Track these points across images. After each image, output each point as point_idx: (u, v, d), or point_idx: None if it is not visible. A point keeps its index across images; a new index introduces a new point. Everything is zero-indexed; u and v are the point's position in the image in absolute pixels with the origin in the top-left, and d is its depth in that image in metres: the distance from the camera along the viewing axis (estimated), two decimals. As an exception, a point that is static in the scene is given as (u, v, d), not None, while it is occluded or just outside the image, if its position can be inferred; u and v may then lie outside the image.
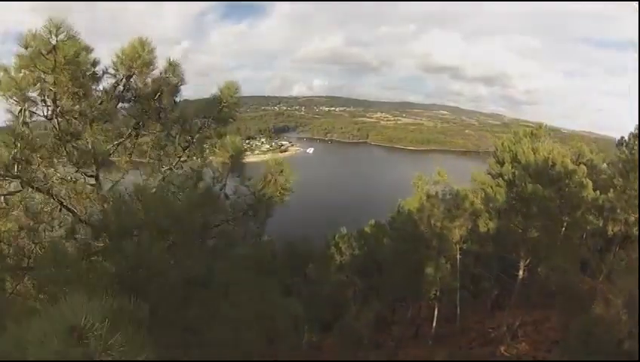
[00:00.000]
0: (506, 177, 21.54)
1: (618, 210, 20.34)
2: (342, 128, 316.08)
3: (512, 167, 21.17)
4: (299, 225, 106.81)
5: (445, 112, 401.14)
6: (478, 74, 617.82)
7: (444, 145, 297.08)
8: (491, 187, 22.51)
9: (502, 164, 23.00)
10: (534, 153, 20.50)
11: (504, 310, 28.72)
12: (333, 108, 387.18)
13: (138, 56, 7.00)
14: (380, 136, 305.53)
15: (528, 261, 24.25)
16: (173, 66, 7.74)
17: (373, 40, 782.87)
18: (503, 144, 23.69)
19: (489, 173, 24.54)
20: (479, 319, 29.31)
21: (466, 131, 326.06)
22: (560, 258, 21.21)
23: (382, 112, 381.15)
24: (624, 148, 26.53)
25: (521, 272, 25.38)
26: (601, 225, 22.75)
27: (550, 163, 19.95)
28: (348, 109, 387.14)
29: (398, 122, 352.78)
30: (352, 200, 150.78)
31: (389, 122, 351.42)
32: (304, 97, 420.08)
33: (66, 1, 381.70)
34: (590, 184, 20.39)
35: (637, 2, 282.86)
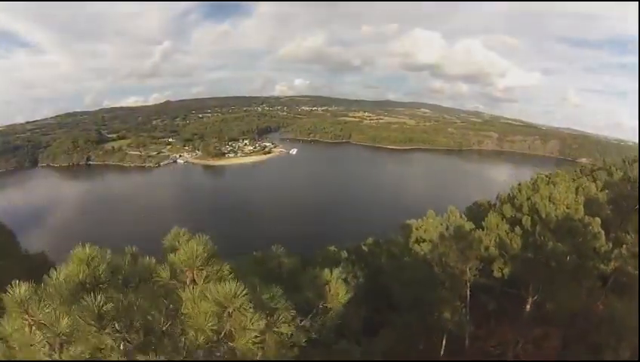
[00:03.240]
0: (524, 227, 21.89)
1: (629, 268, 20.73)
2: (324, 128, 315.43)
3: (531, 220, 21.58)
4: (291, 231, 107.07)
5: (426, 110, 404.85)
6: (458, 72, 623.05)
7: (427, 143, 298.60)
8: (506, 232, 22.81)
9: (518, 209, 23.39)
10: (554, 204, 20.96)
11: (504, 324, 29.33)
12: (315, 108, 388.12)
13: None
14: (362, 136, 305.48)
15: (536, 296, 24.79)
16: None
17: (355, 39, 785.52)
18: (520, 191, 24.04)
19: (501, 214, 24.74)
20: (481, 336, 29.65)
21: (449, 129, 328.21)
22: (568, 297, 21.53)
23: (364, 111, 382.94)
24: (628, 186, 26.93)
25: (528, 306, 25.93)
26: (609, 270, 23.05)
27: (567, 213, 20.43)
28: (330, 109, 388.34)
29: (380, 121, 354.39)
30: (341, 203, 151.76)
31: (371, 121, 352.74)
32: (286, 97, 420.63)
33: (45, 1, 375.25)
34: (603, 235, 20.81)
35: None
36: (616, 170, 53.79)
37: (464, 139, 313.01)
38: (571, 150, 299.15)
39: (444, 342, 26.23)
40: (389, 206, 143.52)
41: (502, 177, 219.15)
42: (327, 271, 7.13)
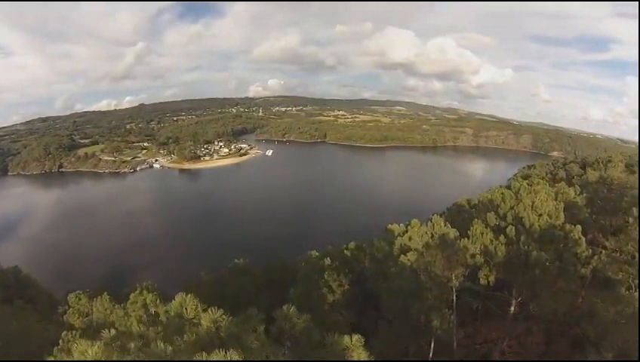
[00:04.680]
0: (509, 236, 22.19)
1: (610, 273, 21.17)
2: (299, 128, 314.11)
3: (515, 229, 21.90)
4: (271, 233, 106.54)
5: (401, 108, 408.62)
6: (432, 70, 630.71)
7: (403, 141, 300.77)
8: (491, 241, 23.05)
9: (502, 218, 23.69)
10: (537, 213, 21.32)
11: (490, 323, 29.81)
12: (289, 108, 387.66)
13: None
14: (338, 135, 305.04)
15: (520, 298, 25.21)
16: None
17: (329, 39, 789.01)
18: (504, 200, 24.30)
19: (485, 222, 24.97)
20: (466, 334, 29.99)
21: (424, 127, 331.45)
22: (551, 300, 21.91)
23: (339, 110, 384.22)
24: (604, 189, 27.47)
25: (512, 308, 26.34)
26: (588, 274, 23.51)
27: (550, 223, 20.81)
28: (305, 109, 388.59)
29: (356, 119, 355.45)
30: (319, 203, 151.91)
31: (346, 120, 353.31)
32: (261, 98, 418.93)
33: (14, 1, 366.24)
34: (583, 241, 21.29)
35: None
36: (592, 170, 55.32)
37: (439, 136, 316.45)
38: (544, 144, 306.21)
39: (432, 345, 26.43)
40: (367, 204, 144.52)
41: (478, 172, 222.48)
42: (347, 337, 7.06)
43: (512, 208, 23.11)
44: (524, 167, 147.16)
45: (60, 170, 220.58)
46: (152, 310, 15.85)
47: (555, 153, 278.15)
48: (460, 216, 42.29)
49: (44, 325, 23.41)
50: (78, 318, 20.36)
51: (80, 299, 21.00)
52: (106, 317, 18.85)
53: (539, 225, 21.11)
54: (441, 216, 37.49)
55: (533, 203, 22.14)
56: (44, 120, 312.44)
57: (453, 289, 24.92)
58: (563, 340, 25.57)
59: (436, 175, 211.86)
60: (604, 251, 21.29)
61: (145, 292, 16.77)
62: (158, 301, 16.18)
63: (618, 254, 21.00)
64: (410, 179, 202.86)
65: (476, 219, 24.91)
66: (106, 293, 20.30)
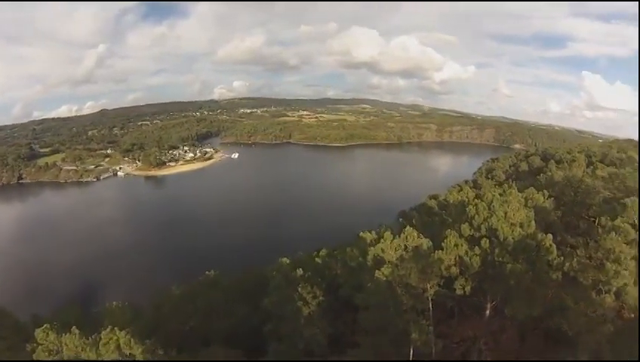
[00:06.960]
0: (483, 247, 22.47)
1: (581, 279, 21.62)
2: (265, 130, 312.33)
3: (489, 241, 22.22)
4: (239, 237, 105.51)
5: (366, 106, 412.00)
6: (396, 68, 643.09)
7: (368, 139, 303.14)
8: (466, 252, 23.28)
9: (476, 229, 23.99)
10: (509, 223, 21.71)
11: (465, 324, 30.20)
12: (254, 110, 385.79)
13: None
14: (302, 135, 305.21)
15: (494, 302, 25.60)
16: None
17: (294, 39, 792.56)
18: (478, 213, 24.55)
19: (459, 232, 25.15)
20: (442, 333, 30.20)
21: (388, 124, 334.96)
22: (525, 303, 22.27)
23: (303, 110, 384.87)
24: (572, 192, 28.01)
25: (487, 312, 26.73)
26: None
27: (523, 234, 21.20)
28: (269, 110, 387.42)
29: (320, 119, 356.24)
30: (285, 203, 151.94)
31: (311, 120, 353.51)
32: (225, 100, 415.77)
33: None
34: (554, 249, 21.86)
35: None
36: (557, 168, 56.75)
37: (404, 133, 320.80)
38: (506, 137, 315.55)
39: (411, 352, 26.51)
40: (333, 203, 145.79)
41: (444, 168, 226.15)
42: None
43: (485, 220, 23.44)
44: (488, 161, 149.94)
45: (20, 181, 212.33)
46: (127, 351, 15.34)
47: (517, 145, 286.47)
48: (431, 219, 42.60)
49: (14, 354, 22.58)
50: (48, 356, 19.44)
51: (48, 335, 20.02)
52: (77, 355, 18.17)
53: (512, 238, 21.55)
54: (412, 222, 37.84)
55: (506, 213, 22.55)
56: (0, 128, 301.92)
57: (429, 299, 25.08)
58: (536, 333, 26.17)
59: (402, 172, 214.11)
60: (575, 258, 21.81)
61: (117, 331, 16.11)
62: (132, 341, 15.60)
63: (589, 261, 21.53)
64: (376, 176, 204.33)
65: (450, 230, 25.10)
66: (75, 328, 19.44)
